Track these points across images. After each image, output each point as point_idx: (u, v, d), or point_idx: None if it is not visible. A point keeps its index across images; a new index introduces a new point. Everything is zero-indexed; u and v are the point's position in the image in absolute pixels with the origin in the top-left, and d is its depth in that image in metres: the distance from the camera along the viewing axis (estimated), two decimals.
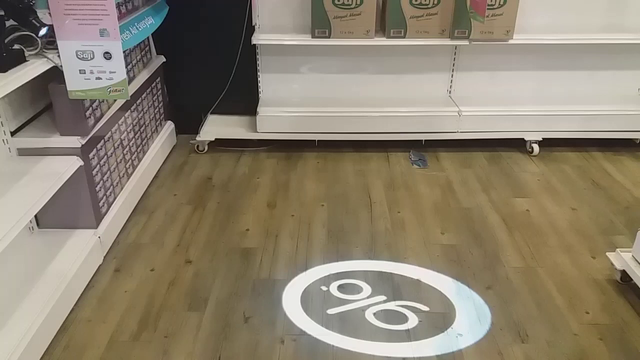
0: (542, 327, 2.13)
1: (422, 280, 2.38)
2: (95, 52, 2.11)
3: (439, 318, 2.17)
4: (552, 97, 3.67)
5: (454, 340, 2.06)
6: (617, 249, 2.37)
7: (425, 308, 2.22)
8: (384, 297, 2.27)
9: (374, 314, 2.19)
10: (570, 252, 2.58)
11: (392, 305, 2.23)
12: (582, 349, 2.03)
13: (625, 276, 2.33)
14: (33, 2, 2.00)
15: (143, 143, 3.12)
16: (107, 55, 2.13)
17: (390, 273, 2.43)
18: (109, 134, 2.61)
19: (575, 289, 2.34)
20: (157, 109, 3.37)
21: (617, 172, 3.34)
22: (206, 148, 3.58)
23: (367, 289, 2.32)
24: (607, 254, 2.43)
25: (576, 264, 2.50)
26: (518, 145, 3.59)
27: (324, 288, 2.34)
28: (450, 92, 3.75)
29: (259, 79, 3.66)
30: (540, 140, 3.53)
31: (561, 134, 3.55)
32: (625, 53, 3.62)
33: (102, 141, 2.53)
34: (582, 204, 2.99)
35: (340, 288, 2.33)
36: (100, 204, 2.52)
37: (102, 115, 2.51)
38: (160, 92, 3.42)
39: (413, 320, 2.15)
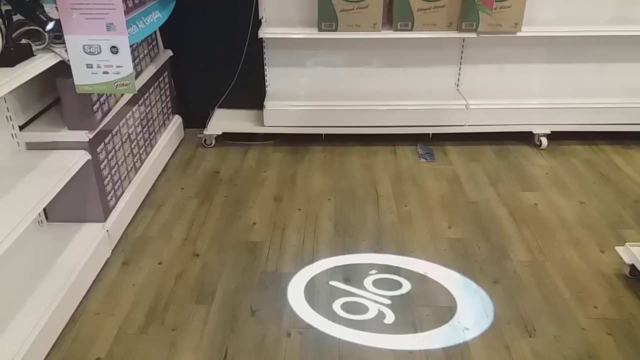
0: (549, 321, 2.12)
1: (428, 275, 2.38)
2: (102, 46, 2.12)
3: (446, 312, 2.17)
4: (561, 90, 3.64)
5: (461, 334, 2.06)
6: (626, 243, 2.35)
7: (432, 302, 2.22)
8: (389, 292, 2.28)
9: (378, 308, 2.19)
10: (579, 246, 2.57)
11: (398, 299, 2.23)
12: (590, 343, 2.02)
13: (634, 270, 2.31)
14: None
15: (151, 137, 3.13)
16: (114, 50, 2.13)
17: (397, 267, 2.43)
18: (117, 128, 2.62)
19: (584, 283, 2.32)
20: (164, 103, 3.37)
21: (627, 165, 3.32)
22: (213, 142, 3.58)
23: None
24: (616, 248, 2.42)
25: (584, 258, 2.48)
26: (526, 138, 3.57)
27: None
28: (457, 85, 3.73)
29: (265, 72, 3.66)
30: (549, 134, 3.51)
31: (570, 127, 3.52)
32: (635, 45, 3.58)
33: (110, 135, 2.54)
34: (591, 197, 2.97)
35: (347, 281, 2.34)
36: (109, 197, 2.53)
37: (109, 110, 2.52)
38: (167, 86, 3.42)
39: (419, 313, 2.15)
